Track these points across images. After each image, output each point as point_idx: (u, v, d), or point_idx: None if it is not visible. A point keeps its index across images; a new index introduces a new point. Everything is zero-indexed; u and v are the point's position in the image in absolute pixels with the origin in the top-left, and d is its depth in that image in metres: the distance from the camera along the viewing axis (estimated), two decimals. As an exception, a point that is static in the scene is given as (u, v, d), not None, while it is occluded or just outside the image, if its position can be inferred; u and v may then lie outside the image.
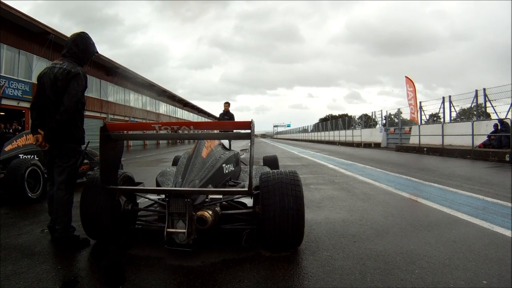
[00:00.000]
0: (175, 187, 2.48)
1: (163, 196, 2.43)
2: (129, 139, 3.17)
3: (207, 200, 2.48)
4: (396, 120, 20.72)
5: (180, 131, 2.16)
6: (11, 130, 14.38)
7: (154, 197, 2.74)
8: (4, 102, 15.12)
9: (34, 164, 4.31)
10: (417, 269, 2.00)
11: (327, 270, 2.02)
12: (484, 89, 12.54)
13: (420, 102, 16.96)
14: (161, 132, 2.19)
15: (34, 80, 16.09)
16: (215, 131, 2.76)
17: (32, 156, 4.87)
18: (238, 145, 7.29)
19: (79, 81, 2.46)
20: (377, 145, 19.97)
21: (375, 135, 22.31)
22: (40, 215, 3.51)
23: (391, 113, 21.86)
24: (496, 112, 12.22)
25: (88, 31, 2.70)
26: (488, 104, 12.65)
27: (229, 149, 3.76)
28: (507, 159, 8.97)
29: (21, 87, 16.57)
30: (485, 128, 11.73)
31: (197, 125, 2.20)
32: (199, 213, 2.13)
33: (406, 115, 19.27)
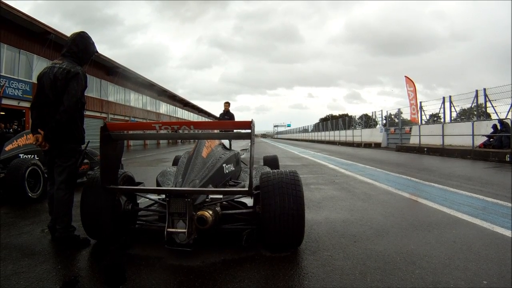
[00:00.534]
0: (176, 187, 2.48)
1: (163, 196, 2.43)
2: (130, 139, 3.17)
3: (207, 200, 2.48)
4: (396, 120, 20.72)
5: (180, 131, 2.16)
6: (11, 130, 14.39)
7: (154, 197, 2.74)
8: (5, 101, 15.12)
9: (35, 163, 4.31)
10: (418, 269, 2.00)
11: (327, 270, 2.02)
12: (485, 89, 12.54)
13: (421, 102, 16.98)
14: (162, 132, 2.19)
15: (34, 80, 16.09)
16: (216, 131, 2.76)
17: (33, 155, 4.87)
18: (238, 145, 7.29)
19: (79, 80, 2.46)
20: (377, 145, 19.97)
21: (376, 135, 22.30)
22: (40, 214, 3.51)
23: (392, 113, 21.87)
24: (496, 112, 12.23)
25: (88, 31, 2.69)
26: (488, 104, 12.66)
27: (230, 149, 3.76)
28: (507, 159, 8.97)
29: (22, 87, 16.59)
30: (485, 128, 11.73)
31: (197, 125, 2.20)
32: (200, 213, 2.13)
33: (406, 115, 19.29)
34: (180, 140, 35.62)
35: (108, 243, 2.47)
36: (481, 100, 13.05)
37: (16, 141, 5.06)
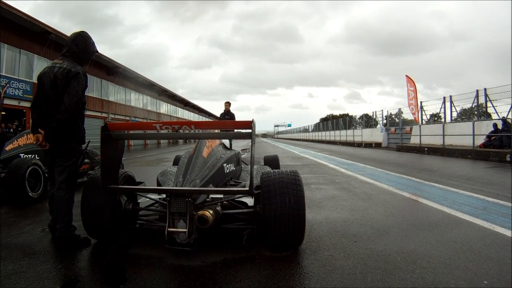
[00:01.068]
0: (176, 186, 2.48)
1: (164, 195, 2.43)
2: (130, 139, 3.18)
3: (208, 199, 2.48)
4: (397, 120, 20.71)
5: (181, 131, 2.16)
6: (11, 130, 14.40)
7: (155, 196, 2.74)
8: (5, 101, 15.13)
9: (35, 163, 4.31)
10: (418, 269, 2.00)
11: (328, 269, 2.02)
12: (485, 89, 12.53)
13: (421, 102, 16.97)
14: (162, 131, 2.19)
15: (34, 79, 16.10)
16: (216, 131, 2.76)
17: (33, 155, 4.87)
18: (239, 145, 7.29)
19: (79, 80, 2.46)
20: (378, 145, 19.95)
21: (376, 135, 22.29)
22: (41, 214, 3.52)
23: (392, 113, 21.86)
24: (497, 112, 12.23)
25: (88, 31, 2.69)
26: (489, 104, 12.65)
27: (230, 149, 3.76)
28: (508, 159, 8.96)
29: (22, 87, 16.61)
30: (486, 128, 11.72)
31: (198, 124, 2.20)
32: (200, 212, 2.13)
33: (406, 115, 19.28)
34: (184, 140, 35.60)
35: (108, 243, 2.48)
36: (481, 100, 13.05)
37: (17, 141, 5.07)
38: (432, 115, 17.38)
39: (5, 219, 3.35)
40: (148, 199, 2.76)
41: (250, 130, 2.10)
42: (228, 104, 8.63)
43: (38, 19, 16.97)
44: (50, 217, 2.69)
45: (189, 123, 2.16)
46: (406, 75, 17.09)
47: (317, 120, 62.86)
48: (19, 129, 15.27)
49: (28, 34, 17.00)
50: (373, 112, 24.94)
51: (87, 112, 18.02)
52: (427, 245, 2.42)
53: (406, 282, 1.84)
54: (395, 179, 5.91)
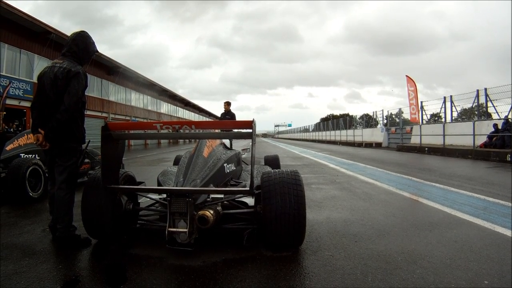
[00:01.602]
0: (177, 186, 2.48)
1: (164, 195, 2.43)
2: (131, 139, 3.17)
3: (208, 199, 2.48)
4: (397, 120, 20.70)
5: (181, 131, 2.16)
6: (11, 130, 14.40)
7: (155, 196, 2.74)
8: (6, 101, 15.15)
9: (35, 163, 4.31)
10: (419, 269, 1.99)
11: (329, 269, 2.02)
12: (486, 89, 12.53)
13: (422, 102, 16.97)
14: (163, 131, 2.19)
15: (35, 79, 16.10)
16: (217, 131, 2.76)
17: (33, 155, 4.87)
18: (239, 145, 7.29)
19: (80, 80, 2.46)
20: (378, 145, 19.95)
21: (376, 135, 22.29)
22: (41, 214, 3.51)
23: (392, 113, 21.86)
24: (497, 112, 12.23)
25: (88, 31, 2.68)
26: (489, 104, 12.64)
27: (231, 149, 3.76)
28: (508, 159, 8.95)
29: (22, 87, 16.61)
30: (486, 128, 11.72)
31: (198, 124, 2.19)
32: (201, 212, 2.13)
33: (407, 115, 19.29)
34: (188, 140, 35.60)
35: (109, 243, 2.47)
36: (482, 100, 13.05)
37: (17, 141, 5.06)
38: (433, 115, 17.39)
39: (5, 219, 3.35)
40: (148, 199, 2.76)
41: (250, 130, 2.10)
42: (227, 104, 8.32)
43: (39, 19, 16.99)
44: (51, 217, 2.69)
45: (190, 123, 2.16)
46: (407, 75, 17.09)
47: (318, 120, 62.91)
48: (19, 128, 15.28)
49: (28, 34, 17.00)
50: (373, 112, 24.99)
51: (88, 112, 18.02)
52: (428, 245, 2.42)
53: (406, 282, 1.83)
54: (395, 179, 5.91)
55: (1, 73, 15.35)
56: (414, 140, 16.34)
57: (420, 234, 2.69)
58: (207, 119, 57.19)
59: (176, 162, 4.76)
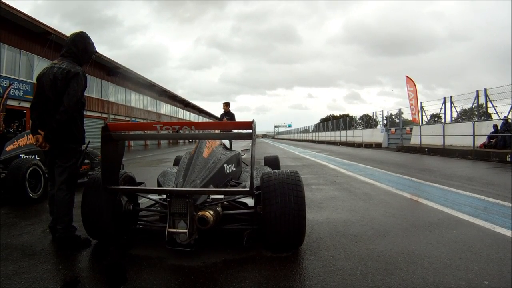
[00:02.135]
0: (177, 187, 2.48)
1: (164, 196, 2.43)
2: (131, 139, 3.17)
3: (208, 200, 2.48)
4: (397, 121, 20.71)
5: (181, 131, 2.16)
6: (11, 130, 14.40)
7: (155, 197, 2.74)
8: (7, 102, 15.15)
9: (35, 164, 4.31)
10: (419, 270, 1.99)
11: (328, 270, 2.02)
12: (485, 90, 12.53)
13: (421, 103, 16.97)
14: (162, 132, 2.19)
15: (35, 80, 16.10)
16: (216, 131, 2.76)
17: (33, 156, 4.87)
18: (239, 145, 7.29)
19: (79, 80, 2.46)
20: (378, 146, 19.95)
21: (376, 135, 22.29)
22: (41, 215, 3.51)
23: (392, 114, 21.86)
24: (497, 113, 12.23)
25: (88, 32, 2.68)
26: (489, 104, 12.65)
27: (230, 149, 3.76)
28: (508, 159, 8.95)
29: (22, 87, 16.62)
30: (486, 128, 11.72)
31: (198, 125, 2.19)
32: (201, 213, 2.13)
33: (407, 115, 19.29)
34: (187, 141, 35.59)
35: (109, 243, 2.47)
36: (481, 100, 13.05)
37: (17, 142, 5.06)
38: (432, 116, 17.40)
39: (5, 219, 3.35)
40: (148, 199, 2.76)
41: (250, 131, 2.09)
42: (226, 104, 8.21)
43: (39, 19, 17.00)
44: (51, 217, 2.69)
45: (189, 124, 2.16)
46: (406, 76, 17.10)
47: (317, 121, 62.91)
48: (19, 129, 15.27)
49: (28, 34, 17.01)
50: (373, 113, 24.98)
51: (87, 113, 18.03)
52: (428, 245, 2.42)
53: (406, 282, 1.83)
54: (395, 180, 5.91)
55: (1, 74, 15.35)
56: (414, 140, 16.34)
57: (420, 234, 2.69)
58: (207, 120, 57.21)
59: (176, 162, 4.76)
